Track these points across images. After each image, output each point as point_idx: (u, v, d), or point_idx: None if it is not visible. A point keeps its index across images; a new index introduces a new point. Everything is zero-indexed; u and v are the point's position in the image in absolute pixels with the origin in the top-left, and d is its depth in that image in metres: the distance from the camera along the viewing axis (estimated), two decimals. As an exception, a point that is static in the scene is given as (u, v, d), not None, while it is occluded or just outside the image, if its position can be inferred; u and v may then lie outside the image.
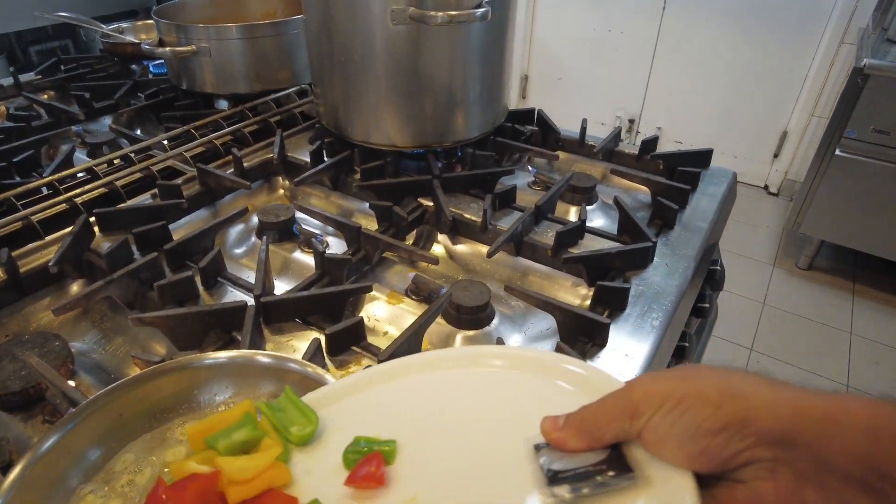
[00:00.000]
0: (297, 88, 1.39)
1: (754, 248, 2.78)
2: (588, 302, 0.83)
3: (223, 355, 0.57)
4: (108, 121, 1.34)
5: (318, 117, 1.20)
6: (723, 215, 1.13)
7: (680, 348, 0.96)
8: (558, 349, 0.70)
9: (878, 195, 2.24)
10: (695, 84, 3.18)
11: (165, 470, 0.52)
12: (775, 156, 3.17)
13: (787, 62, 2.93)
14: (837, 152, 2.24)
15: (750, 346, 2.23)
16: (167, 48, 1.26)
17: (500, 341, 0.69)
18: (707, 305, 1.05)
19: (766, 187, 3.27)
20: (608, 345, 0.75)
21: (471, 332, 0.80)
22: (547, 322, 0.82)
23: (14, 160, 1.09)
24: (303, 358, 0.61)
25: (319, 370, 0.56)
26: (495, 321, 0.82)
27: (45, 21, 1.73)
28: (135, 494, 0.50)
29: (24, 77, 1.53)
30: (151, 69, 1.61)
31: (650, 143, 1.21)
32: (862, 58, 2.09)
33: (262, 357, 0.57)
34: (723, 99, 3.13)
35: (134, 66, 1.65)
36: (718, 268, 1.13)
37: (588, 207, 1.05)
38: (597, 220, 1.03)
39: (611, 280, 0.84)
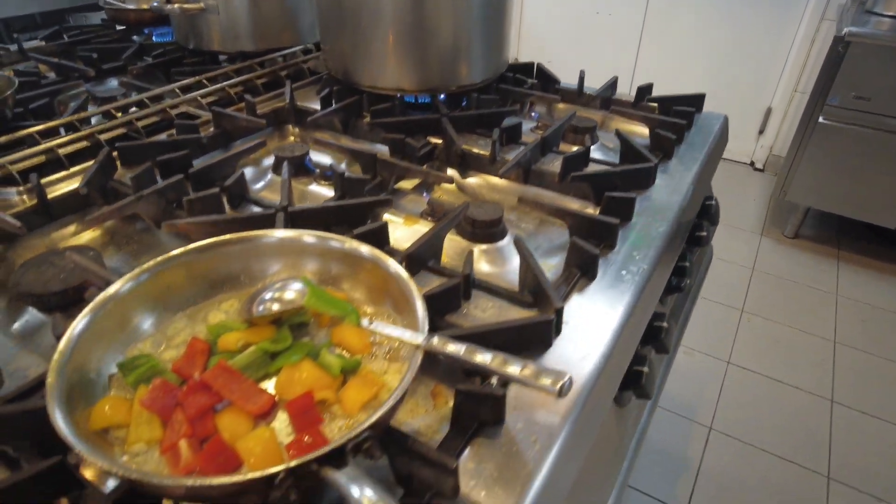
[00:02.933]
0: (301, 47, 1.42)
1: (742, 219, 2.85)
2: (596, 215, 0.87)
3: (275, 234, 0.61)
4: (115, 83, 1.37)
5: (325, 69, 1.24)
6: (716, 153, 1.18)
7: (680, 268, 1.01)
8: (572, 246, 0.74)
9: (860, 160, 2.31)
10: (681, 64, 3.25)
11: (204, 329, 0.56)
12: (760, 132, 3.25)
13: (770, 40, 3.01)
14: (821, 120, 2.32)
15: (741, 307, 2.29)
16: (175, 4, 1.29)
17: (517, 242, 0.73)
18: (705, 234, 1.10)
19: (752, 163, 3.36)
20: (616, 247, 0.79)
21: (484, 246, 0.84)
22: (556, 238, 0.87)
23: (30, 107, 1.11)
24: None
25: (355, 242, 0.60)
26: (508, 237, 0.87)
27: (37, 5, 1.74)
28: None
29: (28, 44, 1.54)
30: (155, 37, 1.64)
31: (646, 89, 1.26)
32: (842, 27, 2.16)
33: (308, 237, 0.61)
34: (708, 78, 3.20)
35: (135, 38, 1.67)
36: (713, 202, 1.18)
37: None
38: (593, 165, 1.07)
39: (616, 196, 0.88)
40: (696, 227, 1.11)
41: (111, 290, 0.52)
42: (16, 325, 0.72)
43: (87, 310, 0.51)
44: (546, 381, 0.42)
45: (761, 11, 2.97)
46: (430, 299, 0.58)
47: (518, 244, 0.71)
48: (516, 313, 0.68)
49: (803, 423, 1.83)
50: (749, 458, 1.72)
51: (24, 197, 0.88)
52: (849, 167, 2.35)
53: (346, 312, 0.52)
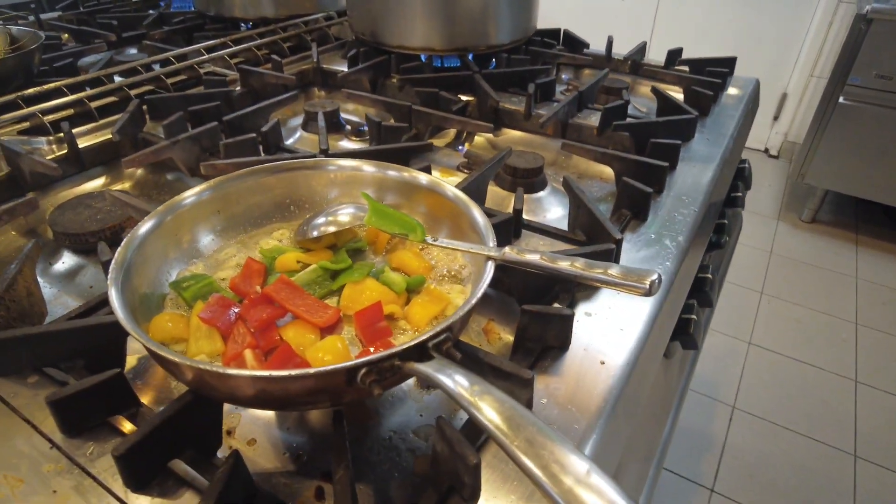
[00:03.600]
0: (323, 14, 1.40)
1: (758, 205, 2.82)
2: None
3: (336, 161, 0.59)
4: (135, 51, 1.35)
5: (351, 33, 1.22)
6: (748, 116, 1.16)
7: (719, 225, 0.98)
8: (622, 186, 0.72)
9: (881, 141, 2.29)
10: (696, 48, 3.22)
11: (257, 254, 0.54)
12: (775, 118, 3.22)
13: (786, 24, 2.98)
14: (841, 100, 2.29)
15: (760, 290, 2.27)
16: (198, -32, 1.27)
17: (567, 182, 0.71)
18: (740, 195, 1.08)
19: (766, 150, 3.33)
20: (665, 191, 0.77)
21: (524, 196, 0.82)
22: (597, 190, 0.85)
23: (55, 65, 1.09)
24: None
25: (415, 172, 0.58)
26: (548, 189, 0.85)
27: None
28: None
29: (45, 16, 1.53)
30: (173, 7, 1.62)
31: (676, 53, 1.24)
32: (864, 5, 2.14)
33: (367, 165, 0.59)
34: (722, 63, 3.17)
35: (152, 11, 1.66)
36: (747, 165, 1.16)
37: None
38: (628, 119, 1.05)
39: (659, 146, 0.86)
40: (731, 188, 1.09)
41: (172, 201, 0.50)
42: (52, 268, 0.70)
43: (147, 217, 0.49)
44: (635, 279, 0.39)
45: (777, -5, 2.94)
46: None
47: (568, 183, 0.69)
48: (569, 247, 0.66)
49: (827, 402, 1.81)
50: (774, 437, 1.69)
51: (54, 147, 0.86)
52: (869, 148, 2.32)
53: (412, 229, 0.50)
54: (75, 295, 0.65)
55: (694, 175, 0.82)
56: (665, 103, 0.99)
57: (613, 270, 0.41)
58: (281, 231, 0.58)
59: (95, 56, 1.20)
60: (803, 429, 1.72)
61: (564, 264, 0.43)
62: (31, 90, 0.92)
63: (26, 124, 0.89)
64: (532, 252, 0.45)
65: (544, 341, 0.50)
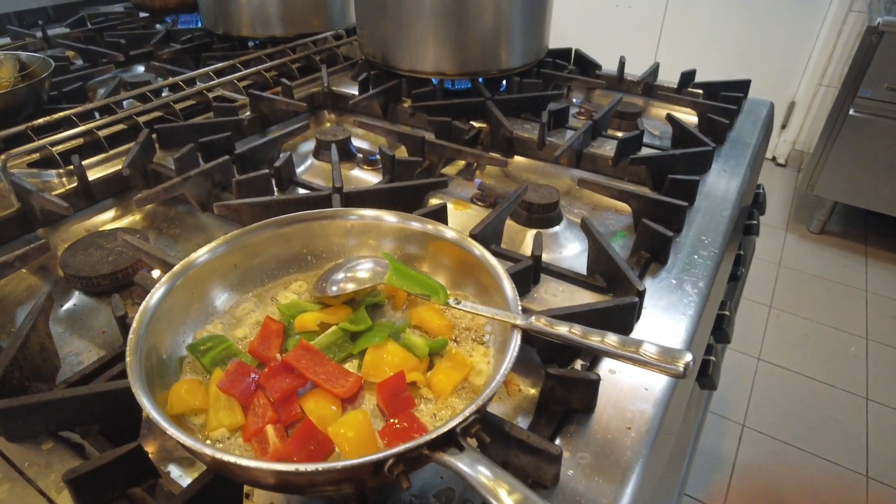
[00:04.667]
0: (332, 33, 1.39)
1: (766, 215, 2.80)
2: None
3: (357, 212, 0.58)
4: (142, 69, 1.34)
5: (361, 53, 1.21)
6: (764, 139, 1.15)
7: (737, 256, 0.97)
8: (642, 228, 0.71)
9: (891, 153, 2.27)
10: (701, 57, 3.20)
11: (275, 311, 0.53)
12: (783, 127, 3.20)
13: (794, 33, 2.96)
14: (851, 112, 2.27)
15: (769, 303, 2.25)
16: (207, -12, 1.26)
17: (586, 223, 0.70)
18: (755, 223, 1.06)
19: (773, 159, 3.31)
20: (683, 229, 0.76)
21: (539, 231, 0.81)
22: (612, 223, 0.83)
23: (64, 90, 1.08)
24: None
25: (440, 225, 0.57)
26: (563, 223, 0.83)
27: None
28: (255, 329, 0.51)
29: (53, 31, 1.52)
30: (181, 24, 1.61)
31: (689, 76, 1.22)
32: (875, 17, 2.12)
33: (389, 216, 0.58)
34: (730, 71, 3.15)
35: (159, 26, 1.65)
36: (761, 191, 1.15)
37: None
38: (645, 149, 1.04)
39: (676, 180, 0.85)
40: (747, 216, 1.08)
41: (187, 260, 0.49)
42: (62, 310, 0.69)
43: (163, 280, 0.48)
44: (669, 361, 0.38)
45: (785, 3, 2.92)
46: (504, 281, 0.55)
47: (587, 226, 0.68)
48: (588, 297, 0.65)
49: (838, 420, 1.79)
50: (784, 456, 1.68)
51: (64, 179, 0.85)
52: (880, 161, 2.31)
53: (434, 291, 0.49)
54: (87, 339, 0.64)
55: (712, 212, 0.81)
56: (681, 132, 0.97)
57: (647, 349, 0.39)
58: (298, 283, 0.57)
59: (104, 77, 1.19)
60: (814, 448, 1.71)
61: (595, 339, 0.42)
62: (40, 120, 0.91)
63: (36, 156, 0.88)
64: (561, 323, 0.44)
65: (568, 403, 0.49)
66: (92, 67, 1.23)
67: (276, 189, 0.82)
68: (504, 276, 0.49)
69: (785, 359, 2.00)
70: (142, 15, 1.66)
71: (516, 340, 0.43)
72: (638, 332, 0.60)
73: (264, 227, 0.56)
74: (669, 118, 1.00)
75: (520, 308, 0.46)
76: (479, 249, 0.53)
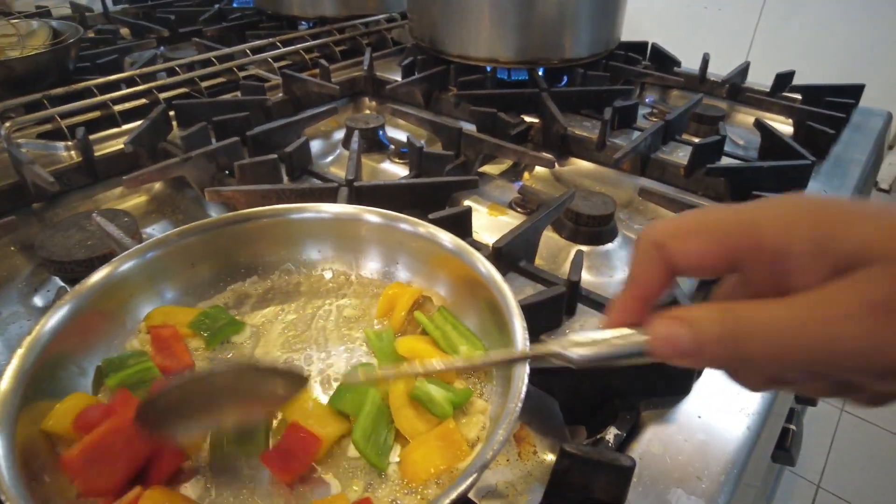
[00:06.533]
0: (385, 15, 1.30)
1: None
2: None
3: (328, 209, 0.47)
4: (189, 46, 1.29)
5: (411, 37, 1.10)
6: (877, 160, 0.96)
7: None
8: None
9: None
10: (799, 68, 2.91)
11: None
12: (889, 147, 2.87)
13: (911, 42, 2.63)
14: (976, 134, 1.97)
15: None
16: (257, -38, 1.19)
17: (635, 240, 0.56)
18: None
19: (875, 183, 2.97)
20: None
21: (586, 248, 0.67)
22: (679, 244, 0.69)
23: (97, 62, 1.03)
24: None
25: (433, 228, 0.45)
26: (618, 239, 0.69)
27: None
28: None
29: (114, 8, 1.50)
30: (235, 3, 1.56)
31: (786, 77, 1.05)
32: None
33: (370, 215, 0.46)
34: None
35: (217, 5, 1.61)
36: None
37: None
38: (725, 159, 0.88)
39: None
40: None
41: (104, 270, 0.40)
42: (36, 297, 0.62)
43: (69, 294, 0.38)
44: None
45: (903, 8, 2.60)
46: (523, 311, 0.43)
47: (642, 248, 0.54)
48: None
49: (933, 489, 1.54)
50: (865, 525, 1.45)
51: (72, 153, 0.79)
52: None
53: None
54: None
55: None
56: (770, 142, 0.81)
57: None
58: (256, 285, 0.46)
59: (140, 53, 1.14)
60: (903, 519, 1.47)
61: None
62: (59, 90, 0.85)
63: (48, 126, 0.82)
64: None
65: (589, 492, 0.36)
66: (133, 42, 1.18)
67: (285, 177, 0.73)
68: (514, 309, 0.37)
69: (872, 412, 1.75)
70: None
71: (513, 413, 0.30)
72: (699, 392, 0.46)
73: (213, 225, 0.45)
74: (758, 124, 0.84)
75: (526, 341, 0.34)
76: (484, 266, 0.40)
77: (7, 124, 0.76)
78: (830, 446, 1.65)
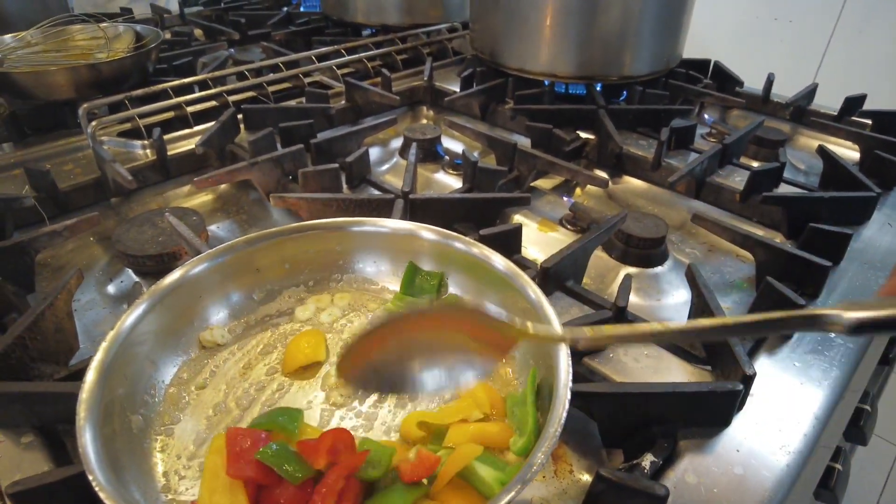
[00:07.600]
0: (448, 25, 1.32)
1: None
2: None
3: (386, 224, 0.49)
4: (257, 49, 1.35)
5: (472, 49, 1.12)
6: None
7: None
8: (765, 288, 0.56)
9: None
10: (873, 86, 2.78)
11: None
12: (967, 173, 2.71)
13: None
14: None
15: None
16: (325, -29, 1.24)
17: (692, 272, 0.56)
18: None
19: (949, 209, 2.81)
20: (820, 297, 0.60)
21: (635, 270, 0.68)
22: (731, 272, 0.68)
23: (174, 63, 1.10)
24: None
25: (486, 250, 0.47)
26: (668, 262, 0.69)
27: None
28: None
29: (189, 10, 1.58)
30: (303, 7, 1.62)
31: (856, 101, 1.01)
32: None
33: (426, 231, 0.48)
34: (907, 103, 2.71)
35: (286, 8, 1.67)
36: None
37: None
38: (784, 186, 0.86)
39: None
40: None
41: (177, 273, 0.43)
42: (111, 286, 0.67)
43: (146, 293, 0.42)
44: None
45: None
46: (569, 334, 0.44)
47: (692, 274, 0.55)
48: (677, 369, 0.51)
49: None
50: (917, 571, 1.38)
51: (148, 151, 0.85)
52: None
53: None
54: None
55: (865, 278, 0.63)
56: (833, 170, 0.79)
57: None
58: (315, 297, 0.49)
59: (213, 56, 1.20)
60: (960, 569, 1.39)
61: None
62: (139, 91, 0.91)
63: (128, 126, 0.88)
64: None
65: (623, 518, 0.37)
66: (206, 44, 1.25)
67: (345, 186, 0.76)
68: (562, 350, 0.37)
69: (934, 452, 1.66)
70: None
71: (549, 443, 0.31)
72: (739, 425, 0.46)
73: (289, 231, 0.48)
74: (821, 151, 0.82)
75: (570, 380, 0.35)
76: (534, 292, 0.42)
77: (93, 123, 0.82)
78: (885, 485, 1.57)
